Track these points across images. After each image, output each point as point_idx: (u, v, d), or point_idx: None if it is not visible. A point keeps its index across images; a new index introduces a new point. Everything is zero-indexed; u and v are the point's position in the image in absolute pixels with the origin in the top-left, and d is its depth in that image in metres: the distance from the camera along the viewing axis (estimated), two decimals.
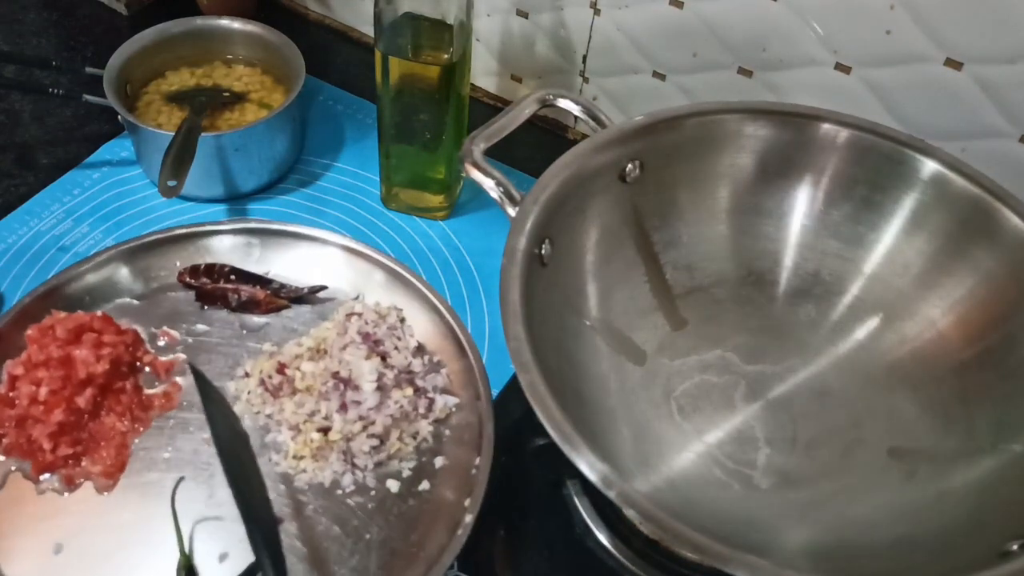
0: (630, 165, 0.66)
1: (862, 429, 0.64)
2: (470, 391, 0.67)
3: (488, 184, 0.62)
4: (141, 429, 0.65)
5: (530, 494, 0.67)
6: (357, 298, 0.73)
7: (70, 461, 0.62)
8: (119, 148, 0.87)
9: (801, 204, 0.69)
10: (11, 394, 0.63)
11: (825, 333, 0.69)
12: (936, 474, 0.60)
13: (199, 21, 0.89)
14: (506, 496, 0.66)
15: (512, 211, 0.61)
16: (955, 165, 0.64)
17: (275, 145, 0.83)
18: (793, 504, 0.61)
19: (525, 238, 0.58)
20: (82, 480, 0.62)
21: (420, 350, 0.69)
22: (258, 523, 0.59)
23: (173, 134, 0.77)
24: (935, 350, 0.65)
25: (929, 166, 0.65)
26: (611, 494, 0.48)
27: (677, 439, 0.64)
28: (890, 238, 0.67)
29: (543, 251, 0.60)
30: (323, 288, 0.73)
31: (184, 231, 0.74)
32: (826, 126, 0.67)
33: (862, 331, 0.68)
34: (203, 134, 0.78)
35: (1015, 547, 0.51)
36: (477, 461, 0.62)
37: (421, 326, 0.70)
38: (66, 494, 0.62)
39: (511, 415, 0.70)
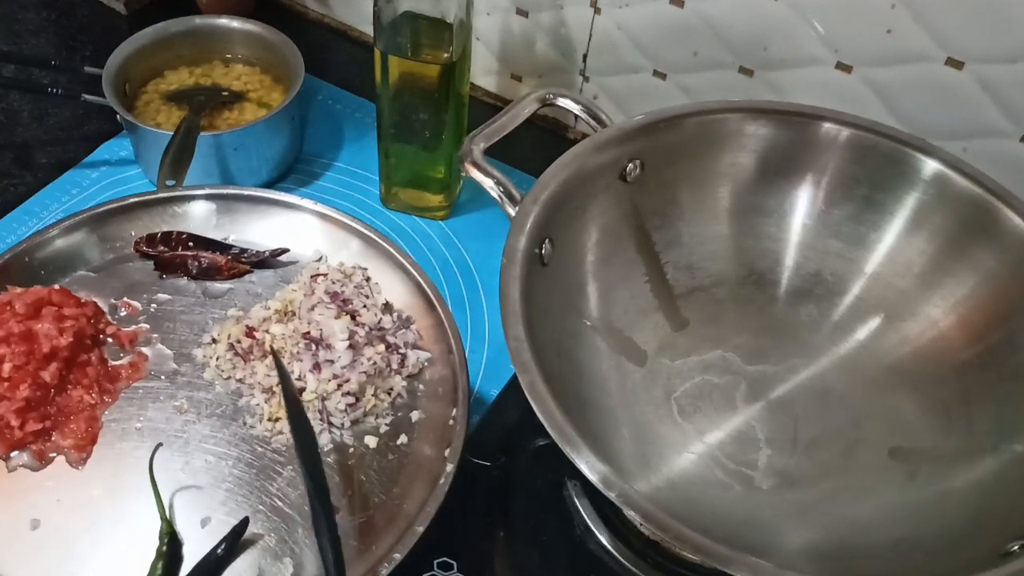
0: (630, 164, 0.66)
1: (863, 429, 0.64)
2: (442, 345, 0.66)
3: (488, 184, 0.62)
4: (110, 401, 0.64)
5: (530, 495, 0.67)
6: (321, 259, 0.72)
7: (40, 437, 0.62)
8: (118, 147, 0.87)
9: (802, 204, 0.69)
10: None
11: (826, 333, 0.69)
12: (937, 474, 0.60)
13: (198, 20, 0.88)
14: (506, 496, 0.66)
15: (512, 211, 0.60)
16: (956, 165, 0.64)
17: (274, 144, 0.83)
18: (794, 505, 0.61)
19: (525, 238, 0.58)
20: (54, 455, 0.61)
21: (388, 308, 0.68)
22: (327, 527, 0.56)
23: (172, 133, 0.77)
24: (936, 350, 0.65)
25: (930, 166, 0.65)
26: (611, 495, 0.48)
27: (678, 440, 0.64)
28: (891, 238, 0.67)
29: (543, 251, 0.60)
30: (285, 251, 0.71)
31: (137, 199, 0.72)
32: (827, 125, 0.67)
33: (863, 331, 0.68)
34: (202, 133, 0.77)
35: (1016, 547, 0.51)
36: (454, 413, 0.62)
37: (388, 286, 0.70)
38: (39, 470, 0.61)
39: (511, 415, 0.70)
